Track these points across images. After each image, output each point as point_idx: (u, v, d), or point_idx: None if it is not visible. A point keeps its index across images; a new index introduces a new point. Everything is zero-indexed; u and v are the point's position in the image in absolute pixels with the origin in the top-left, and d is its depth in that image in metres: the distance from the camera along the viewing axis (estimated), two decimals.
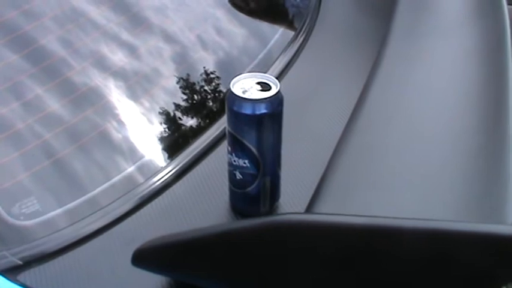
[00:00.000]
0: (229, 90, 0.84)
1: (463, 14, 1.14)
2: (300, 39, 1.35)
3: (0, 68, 0.95)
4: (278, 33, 1.36)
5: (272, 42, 1.33)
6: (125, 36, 1.11)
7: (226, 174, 0.92)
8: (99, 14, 1.11)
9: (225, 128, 1.03)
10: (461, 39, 1.05)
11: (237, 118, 0.84)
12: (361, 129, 0.83)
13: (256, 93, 0.84)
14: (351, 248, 0.62)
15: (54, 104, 0.95)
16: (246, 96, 0.83)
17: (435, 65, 0.99)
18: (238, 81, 0.85)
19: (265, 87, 0.85)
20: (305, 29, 1.37)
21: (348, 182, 0.76)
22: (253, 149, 0.85)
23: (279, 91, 0.84)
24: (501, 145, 0.75)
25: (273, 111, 0.84)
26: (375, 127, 0.84)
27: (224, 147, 0.98)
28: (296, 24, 1.39)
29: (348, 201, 0.73)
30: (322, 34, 1.39)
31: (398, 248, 0.61)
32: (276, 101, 0.84)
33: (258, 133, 0.84)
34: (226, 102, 0.85)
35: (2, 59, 0.95)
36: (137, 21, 1.15)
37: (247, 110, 0.83)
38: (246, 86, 0.85)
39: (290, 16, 1.46)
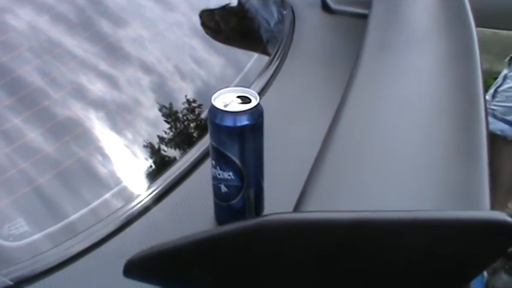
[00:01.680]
0: (211, 105, 0.86)
1: (432, 28, 1.19)
2: (275, 64, 1.38)
3: None
4: (253, 59, 1.39)
5: (247, 67, 1.36)
6: (102, 66, 1.13)
7: (205, 195, 0.94)
8: (76, 45, 1.13)
9: (202, 152, 1.06)
10: (432, 51, 1.09)
11: (219, 131, 0.86)
12: (341, 136, 0.85)
13: (237, 106, 0.86)
14: (340, 242, 0.64)
15: (33, 133, 0.97)
16: (227, 109, 0.85)
17: (408, 74, 1.03)
18: (220, 95, 0.88)
19: (245, 100, 0.87)
20: (280, 53, 1.41)
21: (332, 184, 0.78)
22: (237, 161, 0.87)
23: (258, 103, 0.87)
24: (477, 142, 0.79)
25: (255, 123, 0.86)
26: (355, 133, 0.87)
27: (203, 170, 1.02)
28: (270, 49, 1.42)
29: (333, 202, 0.75)
30: (296, 58, 1.43)
31: (384, 239, 0.63)
32: (257, 113, 0.86)
33: (240, 145, 0.87)
34: (209, 116, 0.87)
35: None
36: (114, 52, 1.17)
37: (229, 122, 0.85)
38: (226, 100, 0.87)
39: (264, 41, 1.50)
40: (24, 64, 1.04)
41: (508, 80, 2.17)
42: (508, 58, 2.19)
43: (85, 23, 1.18)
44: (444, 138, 0.85)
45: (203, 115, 1.16)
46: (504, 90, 2.18)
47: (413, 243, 0.63)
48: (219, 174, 0.89)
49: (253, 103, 0.86)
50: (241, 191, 0.90)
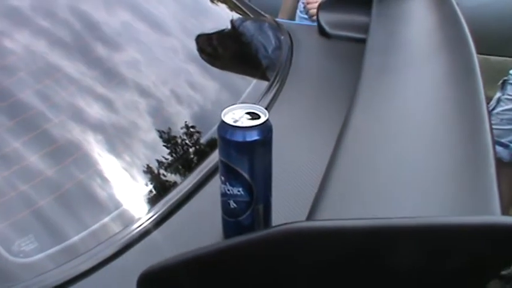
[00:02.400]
0: (220, 120, 0.88)
1: (431, 49, 1.21)
2: (274, 89, 1.39)
3: None
4: (252, 84, 1.41)
5: (246, 92, 1.37)
6: (105, 91, 1.14)
7: (209, 216, 0.96)
8: (75, 70, 1.14)
9: (202, 177, 1.07)
10: (432, 70, 1.11)
11: (229, 146, 0.87)
12: (350, 148, 0.87)
13: (246, 122, 0.87)
14: (356, 249, 0.65)
15: (32, 156, 0.97)
16: (237, 124, 0.87)
17: (411, 92, 1.05)
18: (229, 111, 0.89)
19: (254, 116, 0.89)
20: (278, 78, 1.42)
21: (343, 192, 0.79)
22: (247, 176, 0.88)
23: (267, 119, 0.88)
24: (483, 150, 0.80)
25: (264, 138, 0.87)
26: (363, 145, 0.89)
27: (203, 194, 1.04)
28: (269, 74, 1.44)
29: (345, 210, 0.76)
30: (295, 83, 1.44)
31: (400, 245, 0.64)
32: (266, 128, 0.88)
33: (250, 160, 0.88)
34: (218, 132, 0.88)
35: None
36: (113, 76, 1.18)
37: (239, 137, 0.86)
38: (236, 115, 0.89)
39: (263, 66, 1.52)
40: (24, 88, 1.05)
41: (501, 103, 2.21)
42: (501, 81, 2.24)
43: (86, 49, 1.20)
44: (450, 149, 0.87)
45: (202, 140, 1.17)
46: (498, 113, 2.22)
47: (428, 248, 0.64)
48: (229, 190, 0.90)
49: (263, 119, 0.88)
50: (250, 207, 0.90)
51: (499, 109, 2.23)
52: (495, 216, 0.69)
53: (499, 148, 2.18)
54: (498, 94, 2.25)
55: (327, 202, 0.77)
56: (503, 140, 2.18)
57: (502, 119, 2.20)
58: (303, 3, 2.58)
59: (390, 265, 0.65)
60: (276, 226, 0.67)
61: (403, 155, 0.88)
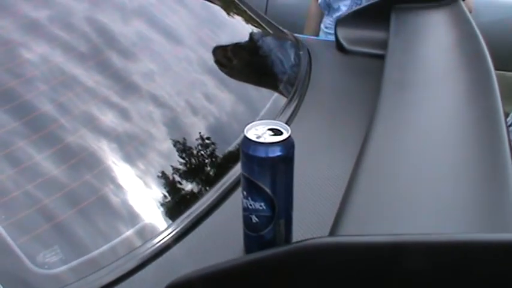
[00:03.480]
0: (243, 136, 0.89)
1: (450, 66, 1.22)
2: (293, 104, 1.40)
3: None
4: (271, 99, 1.42)
5: (266, 107, 1.39)
6: (124, 103, 1.16)
7: (229, 231, 0.98)
8: (96, 82, 1.16)
9: (223, 191, 1.09)
10: (451, 86, 1.12)
11: (252, 162, 0.89)
12: (371, 163, 0.88)
13: (269, 138, 0.89)
14: (378, 264, 0.66)
15: (56, 169, 0.99)
16: (260, 140, 0.88)
17: (431, 108, 1.06)
18: (252, 127, 0.91)
19: (276, 132, 0.90)
20: (297, 94, 1.44)
21: (365, 208, 0.80)
22: (269, 191, 0.90)
23: (290, 135, 0.89)
24: (502, 170, 0.81)
25: (286, 154, 0.89)
26: (384, 160, 0.90)
27: (224, 209, 1.05)
28: (288, 90, 1.45)
29: (367, 225, 0.77)
30: (314, 98, 1.45)
31: (422, 261, 0.65)
32: (288, 145, 0.89)
33: (272, 175, 0.89)
34: (241, 147, 0.90)
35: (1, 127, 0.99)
36: (132, 90, 1.20)
37: (261, 153, 0.88)
38: (259, 132, 0.90)
39: (282, 82, 1.53)
40: (45, 101, 1.07)
41: None
42: None
43: (104, 60, 1.22)
44: (470, 165, 0.88)
45: (224, 154, 1.19)
46: None
47: (449, 263, 0.65)
48: (251, 205, 0.91)
49: (285, 135, 0.89)
50: (272, 222, 0.92)
51: None
52: None
53: None
54: None
55: (349, 217, 0.78)
56: None
57: None
58: (328, 19, 2.60)
59: (413, 280, 0.66)
60: (300, 241, 0.68)
61: (424, 171, 0.89)
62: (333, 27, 1.78)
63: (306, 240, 0.68)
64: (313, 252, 0.68)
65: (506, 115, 2.27)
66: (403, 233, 0.66)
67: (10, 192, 0.92)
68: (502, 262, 0.64)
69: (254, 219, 0.92)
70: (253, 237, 0.94)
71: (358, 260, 0.66)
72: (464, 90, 1.12)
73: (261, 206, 0.91)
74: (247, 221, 0.94)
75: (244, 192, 0.92)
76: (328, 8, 2.63)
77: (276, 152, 0.88)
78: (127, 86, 1.20)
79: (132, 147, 1.10)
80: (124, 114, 1.14)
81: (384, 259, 0.66)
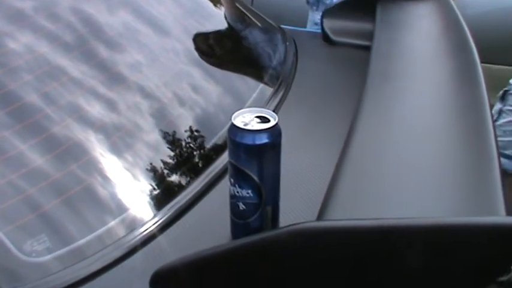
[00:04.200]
0: (230, 123, 0.89)
1: (435, 55, 1.23)
2: (279, 96, 1.40)
3: None
4: (258, 89, 1.42)
5: (252, 98, 1.39)
6: (108, 93, 1.16)
7: (215, 219, 0.98)
8: (81, 73, 1.16)
9: (208, 182, 1.09)
10: (436, 76, 1.13)
11: (239, 149, 0.89)
12: (357, 150, 0.89)
13: (256, 125, 0.89)
14: (366, 248, 0.66)
15: (41, 159, 0.99)
16: (247, 127, 0.88)
17: (416, 97, 1.07)
18: (239, 115, 0.91)
19: (264, 120, 0.91)
20: (283, 85, 1.44)
21: (351, 195, 0.81)
22: (256, 178, 0.90)
23: (277, 123, 0.90)
24: (487, 157, 0.82)
25: (273, 141, 0.89)
26: (370, 148, 0.91)
27: (211, 197, 1.05)
28: (274, 80, 1.45)
29: (354, 210, 0.78)
30: (300, 88, 1.46)
31: (408, 244, 0.66)
32: (276, 132, 0.90)
33: (259, 163, 0.90)
34: (229, 134, 0.90)
35: None
36: (117, 79, 1.20)
37: (249, 140, 0.88)
38: (246, 119, 0.90)
39: (268, 72, 1.53)
40: (30, 92, 1.06)
41: (503, 115, 2.21)
42: (501, 92, 2.24)
43: (90, 50, 1.21)
44: (455, 152, 0.89)
45: (210, 144, 1.19)
46: (501, 125, 2.22)
47: (436, 247, 0.66)
48: (238, 192, 0.92)
49: (272, 122, 0.89)
50: (259, 209, 0.92)
51: (501, 121, 2.23)
52: (501, 217, 0.70)
53: (503, 160, 2.18)
54: (499, 105, 2.25)
55: (336, 203, 0.79)
56: (507, 152, 2.17)
57: (505, 131, 2.20)
58: (318, 14, 2.59)
59: (398, 264, 0.67)
60: (287, 226, 0.68)
61: (409, 158, 0.90)
62: None
63: (293, 224, 0.68)
64: (301, 236, 0.68)
65: (491, 107, 2.29)
66: (387, 217, 0.66)
67: None
68: (487, 245, 0.65)
69: (241, 206, 0.93)
70: (241, 224, 0.95)
71: (345, 244, 0.66)
72: (449, 80, 1.13)
73: (248, 193, 0.91)
74: (234, 208, 0.94)
75: (232, 180, 0.92)
76: (318, 3, 2.62)
77: (263, 139, 0.88)
78: (113, 76, 1.19)
79: (118, 138, 1.10)
80: (110, 104, 1.14)
81: (369, 243, 0.66)
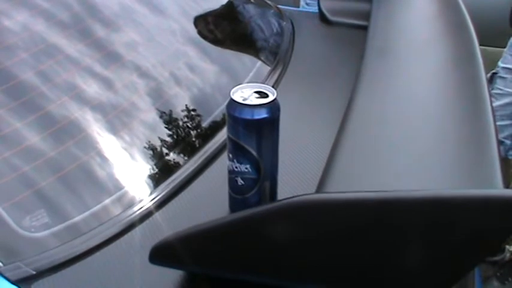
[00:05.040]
0: (229, 98, 0.89)
1: (432, 34, 1.23)
2: (276, 74, 1.40)
3: None
4: (255, 68, 1.42)
5: (249, 77, 1.39)
6: (104, 72, 1.16)
7: (213, 196, 0.99)
8: (77, 51, 1.15)
9: (204, 160, 1.10)
10: (433, 54, 1.13)
11: (238, 124, 0.89)
12: (356, 125, 0.89)
13: (255, 100, 0.89)
14: (367, 220, 0.67)
15: (38, 136, 0.99)
16: (246, 102, 0.88)
17: (413, 75, 1.07)
18: (238, 90, 0.91)
19: (262, 95, 0.91)
20: (280, 64, 1.44)
21: (350, 167, 0.81)
22: (254, 153, 0.90)
23: (275, 98, 0.90)
24: (485, 131, 0.82)
25: (272, 116, 0.89)
26: (369, 124, 0.91)
27: (208, 174, 1.06)
28: (271, 59, 1.45)
29: (352, 185, 0.78)
30: (297, 68, 1.46)
31: (407, 216, 0.66)
32: (274, 107, 0.90)
33: (258, 137, 0.90)
34: (227, 109, 0.90)
35: None
36: (114, 57, 1.20)
37: (247, 115, 0.88)
38: (245, 94, 0.90)
39: (266, 52, 1.53)
40: (27, 69, 1.06)
41: (492, 99, 2.20)
42: (489, 74, 2.20)
43: (91, 32, 1.21)
44: (453, 128, 0.89)
45: (207, 121, 1.19)
46: None
47: (435, 218, 0.66)
48: (236, 167, 0.92)
49: (271, 97, 0.89)
50: (257, 184, 0.92)
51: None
52: (498, 189, 0.71)
53: None
54: None
55: (334, 177, 0.79)
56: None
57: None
58: None
59: (397, 236, 0.67)
60: (287, 198, 0.69)
61: (407, 134, 0.90)
62: (315, 2, 1.78)
63: (293, 197, 0.68)
64: (300, 208, 0.68)
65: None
66: (386, 190, 0.66)
67: None
68: (485, 218, 0.65)
69: (240, 181, 0.93)
70: (239, 199, 0.95)
71: (344, 217, 0.67)
72: (447, 58, 1.13)
73: (246, 168, 0.91)
74: (232, 183, 0.94)
75: (230, 155, 0.92)
76: None
77: (262, 114, 0.88)
78: (110, 55, 1.19)
79: (115, 116, 1.10)
80: (107, 83, 1.14)
81: (368, 215, 0.67)
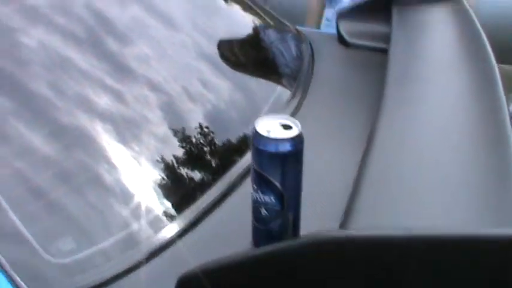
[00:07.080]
0: (254, 130, 0.90)
1: (453, 61, 1.24)
2: (297, 99, 1.41)
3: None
4: (275, 94, 1.43)
5: (271, 101, 1.40)
6: (130, 94, 1.17)
7: (236, 224, 1.00)
8: (91, 65, 1.17)
9: (229, 183, 1.11)
10: (455, 80, 1.14)
11: (262, 156, 0.90)
12: (379, 156, 0.90)
13: (279, 133, 0.90)
14: (391, 258, 0.67)
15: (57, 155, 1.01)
16: (270, 135, 0.90)
17: (435, 101, 1.08)
18: (262, 122, 0.92)
19: (286, 127, 0.92)
20: (300, 88, 1.45)
21: (375, 199, 0.82)
22: (278, 185, 0.91)
23: (300, 131, 0.91)
24: (507, 161, 0.83)
25: (296, 149, 0.90)
26: (392, 153, 0.92)
27: (231, 202, 1.07)
28: (291, 83, 1.46)
29: (379, 216, 0.79)
30: (318, 91, 1.47)
31: (434, 255, 0.67)
32: (299, 140, 0.91)
33: (282, 170, 0.91)
34: (252, 141, 0.91)
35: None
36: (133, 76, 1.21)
37: (272, 148, 0.89)
38: (269, 126, 0.92)
39: (285, 75, 1.54)
40: (40, 83, 1.08)
41: None
42: None
43: (102, 45, 1.23)
44: (475, 157, 0.90)
45: (231, 148, 1.22)
46: None
47: (467, 257, 0.66)
48: (260, 198, 0.93)
49: (295, 130, 0.91)
50: (280, 215, 0.93)
51: None
52: None
53: None
54: None
55: (359, 210, 0.80)
56: None
57: None
58: (330, 11, 2.60)
59: (426, 275, 0.68)
60: (309, 234, 0.69)
61: (430, 162, 0.91)
62: (335, 19, 1.79)
63: (315, 233, 0.69)
64: (322, 245, 0.69)
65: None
66: (413, 227, 0.67)
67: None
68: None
69: (263, 212, 0.94)
70: (262, 230, 0.96)
71: (369, 255, 0.67)
72: (468, 85, 1.14)
73: (270, 199, 0.92)
74: (256, 213, 0.95)
75: (254, 186, 0.94)
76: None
77: (287, 147, 0.90)
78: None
79: (140, 141, 1.12)
80: (130, 104, 1.15)
81: (396, 253, 0.67)
